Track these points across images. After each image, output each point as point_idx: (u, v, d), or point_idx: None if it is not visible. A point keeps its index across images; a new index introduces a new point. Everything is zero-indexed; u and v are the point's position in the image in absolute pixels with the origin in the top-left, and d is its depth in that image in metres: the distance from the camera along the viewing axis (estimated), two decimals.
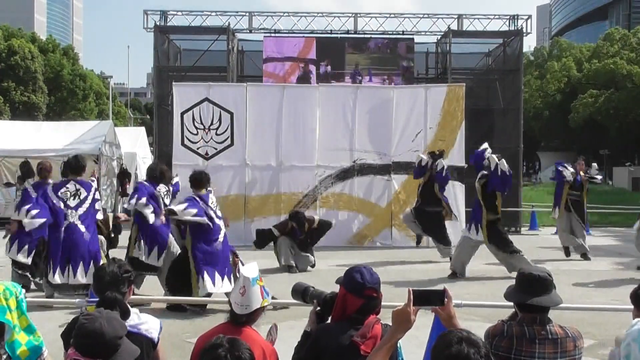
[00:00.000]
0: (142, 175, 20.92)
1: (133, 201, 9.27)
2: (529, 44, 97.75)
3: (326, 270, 11.60)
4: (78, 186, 9.10)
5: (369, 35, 22.78)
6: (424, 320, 4.31)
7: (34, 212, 8.99)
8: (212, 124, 15.77)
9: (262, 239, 12.85)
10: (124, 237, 10.74)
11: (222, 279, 8.63)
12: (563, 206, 14.25)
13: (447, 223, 13.99)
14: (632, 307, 3.62)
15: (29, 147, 20.13)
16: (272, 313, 7.91)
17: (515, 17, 22.26)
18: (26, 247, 9.55)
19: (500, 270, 11.69)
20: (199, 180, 8.98)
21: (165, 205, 9.36)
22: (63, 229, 8.94)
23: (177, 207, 8.63)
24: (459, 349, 2.44)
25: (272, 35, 22.57)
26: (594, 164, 15.32)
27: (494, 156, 11.45)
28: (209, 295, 8.46)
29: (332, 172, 15.86)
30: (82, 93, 54.85)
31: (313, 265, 12.53)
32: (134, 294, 5.39)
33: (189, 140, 15.70)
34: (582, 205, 14.42)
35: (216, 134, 15.77)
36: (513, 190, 19.50)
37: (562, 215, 14.26)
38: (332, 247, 14.87)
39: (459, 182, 15.74)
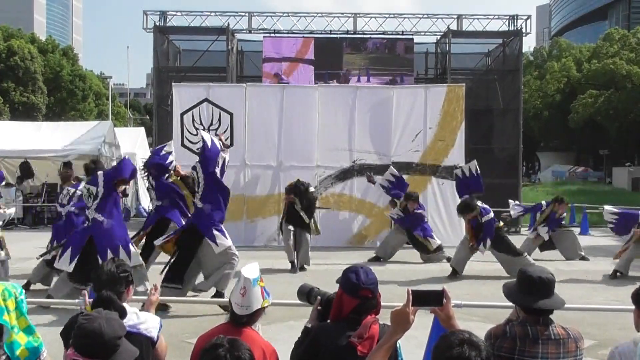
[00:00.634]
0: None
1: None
2: (529, 44, 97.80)
3: (325, 271, 11.59)
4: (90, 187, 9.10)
5: (368, 36, 22.80)
6: (423, 321, 4.30)
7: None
8: (211, 124, 15.78)
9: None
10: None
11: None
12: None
13: (447, 223, 14.03)
14: (632, 307, 3.62)
15: (29, 147, 20.14)
16: (276, 312, 7.92)
17: (515, 17, 22.28)
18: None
19: (500, 270, 11.70)
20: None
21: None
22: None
23: None
24: (460, 351, 2.43)
25: (272, 35, 22.58)
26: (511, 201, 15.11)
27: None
28: None
29: (331, 172, 15.87)
30: (82, 93, 54.80)
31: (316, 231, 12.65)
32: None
33: (189, 140, 15.70)
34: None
35: (216, 134, 15.72)
36: (513, 190, 19.62)
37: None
38: (332, 247, 14.90)
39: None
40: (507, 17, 22.44)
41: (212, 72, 21.35)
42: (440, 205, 15.76)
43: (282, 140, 15.83)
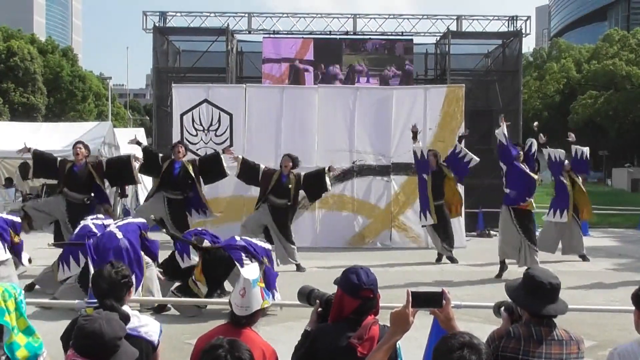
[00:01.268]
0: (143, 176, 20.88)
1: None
2: (528, 45, 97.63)
3: (325, 271, 11.58)
4: None
5: (367, 36, 22.81)
6: (423, 322, 4.31)
7: None
8: (211, 125, 15.78)
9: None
10: None
11: None
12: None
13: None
14: (632, 308, 3.61)
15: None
16: (272, 312, 7.91)
17: (515, 18, 22.28)
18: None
19: None
20: None
21: None
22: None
23: None
24: (461, 355, 2.43)
25: (271, 36, 22.59)
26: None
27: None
28: None
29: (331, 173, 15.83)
30: (82, 94, 54.82)
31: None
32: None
33: (189, 141, 15.68)
34: None
35: (215, 135, 15.77)
36: None
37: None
38: (332, 248, 14.90)
39: (458, 183, 15.73)
40: (507, 18, 22.45)
41: (212, 73, 21.35)
42: None
43: (282, 141, 15.82)
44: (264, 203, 12.63)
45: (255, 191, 15.50)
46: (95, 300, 3.79)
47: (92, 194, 11.45)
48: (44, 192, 21.07)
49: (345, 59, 22.18)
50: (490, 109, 21.88)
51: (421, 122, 15.94)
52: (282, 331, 6.79)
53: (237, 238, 8.73)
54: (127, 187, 21.94)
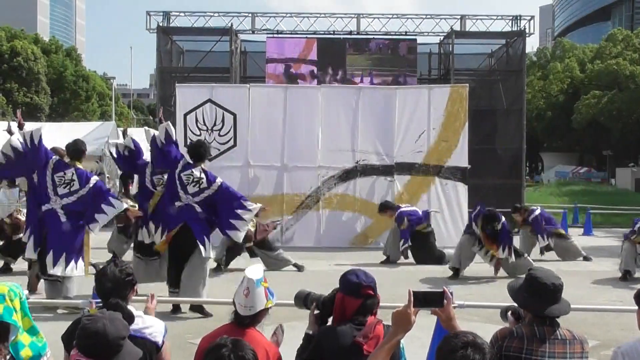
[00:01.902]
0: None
1: None
2: (532, 44, 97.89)
3: (328, 271, 11.57)
4: (75, 177, 8.58)
5: (371, 36, 22.79)
6: (426, 321, 4.31)
7: None
8: (215, 125, 15.79)
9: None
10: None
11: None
12: None
13: (449, 224, 14.05)
14: (635, 307, 3.62)
15: None
16: (278, 313, 7.91)
17: (518, 17, 22.25)
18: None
19: (502, 271, 11.68)
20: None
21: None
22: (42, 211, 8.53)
23: None
24: (464, 354, 2.44)
25: (275, 36, 22.59)
26: None
27: None
28: None
29: (334, 173, 15.86)
30: (85, 94, 54.89)
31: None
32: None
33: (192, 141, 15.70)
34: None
35: (219, 135, 15.78)
36: (516, 191, 19.61)
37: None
38: (335, 247, 14.90)
39: (461, 182, 15.77)
40: (510, 17, 22.42)
41: (216, 73, 21.33)
42: (444, 206, 15.73)
43: (286, 140, 15.83)
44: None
45: (258, 191, 15.52)
46: (99, 300, 3.80)
47: None
48: None
49: (348, 59, 22.16)
50: (493, 108, 21.86)
51: (425, 122, 15.96)
52: (286, 331, 6.80)
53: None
54: (130, 187, 21.99)
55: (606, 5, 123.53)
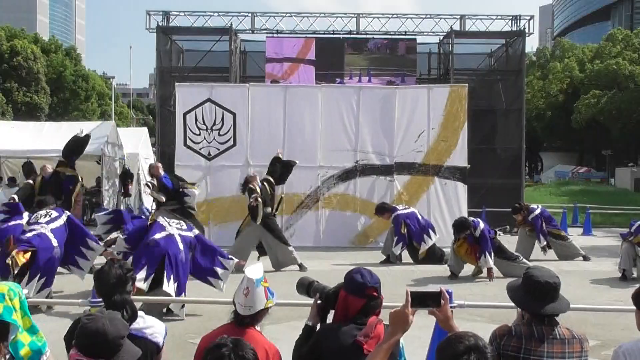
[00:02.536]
0: (144, 176, 20.92)
1: None
2: (532, 44, 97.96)
3: (328, 271, 11.58)
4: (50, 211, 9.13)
5: (370, 36, 22.79)
6: (426, 321, 4.30)
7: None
8: (214, 124, 15.78)
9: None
10: None
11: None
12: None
13: (449, 223, 14.00)
14: (634, 307, 3.61)
15: (31, 147, 20.12)
16: (278, 313, 7.91)
17: (518, 17, 22.25)
18: None
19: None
20: None
21: None
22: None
23: None
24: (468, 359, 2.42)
25: (274, 35, 22.58)
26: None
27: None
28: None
29: (334, 172, 15.86)
30: (85, 94, 54.89)
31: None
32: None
33: (192, 140, 15.71)
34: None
35: (219, 135, 15.78)
36: (515, 191, 19.61)
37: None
38: (335, 247, 14.91)
39: (461, 182, 15.78)
40: (510, 17, 22.42)
41: (215, 72, 21.34)
42: (443, 206, 15.74)
43: (285, 140, 15.83)
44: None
45: (289, 188, 15.43)
46: (99, 300, 3.80)
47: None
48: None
49: (347, 59, 22.16)
50: (493, 108, 21.87)
51: (424, 122, 15.96)
52: (286, 330, 6.79)
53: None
54: (130, 187, 22.00)
55: (606, 5, 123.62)
